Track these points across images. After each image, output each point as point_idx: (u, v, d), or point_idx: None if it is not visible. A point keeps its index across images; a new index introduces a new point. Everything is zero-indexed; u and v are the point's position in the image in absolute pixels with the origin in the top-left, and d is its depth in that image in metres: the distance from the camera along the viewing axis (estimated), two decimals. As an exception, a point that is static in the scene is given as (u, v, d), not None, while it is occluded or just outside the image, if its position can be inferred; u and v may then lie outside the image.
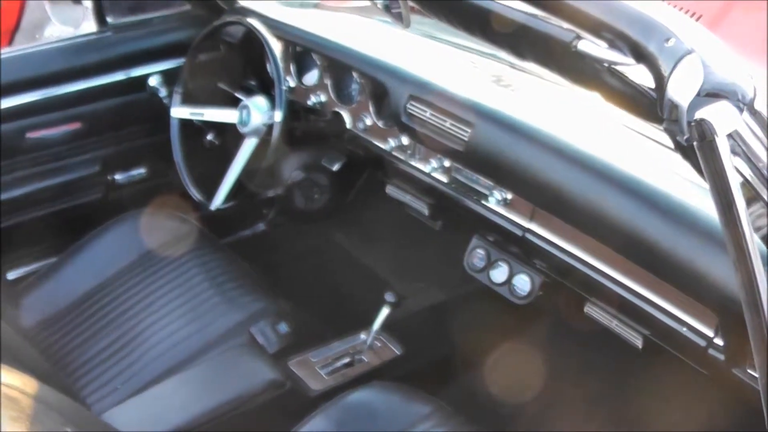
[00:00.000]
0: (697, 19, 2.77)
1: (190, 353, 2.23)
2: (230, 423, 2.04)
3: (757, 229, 1.27)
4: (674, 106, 1.01)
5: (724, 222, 1.06)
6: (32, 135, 2.69)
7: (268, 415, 2.10)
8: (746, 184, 1.15)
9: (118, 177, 2.98)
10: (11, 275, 2.74)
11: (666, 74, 1.01)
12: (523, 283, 2.38)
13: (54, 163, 2.80)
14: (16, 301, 2.40)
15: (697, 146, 1.03)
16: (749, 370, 1.71)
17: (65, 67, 2.75)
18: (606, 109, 2.05)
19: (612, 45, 1.07)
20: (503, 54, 2.34)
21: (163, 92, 2.90)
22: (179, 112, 2.78)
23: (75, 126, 2.80)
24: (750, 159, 1.12)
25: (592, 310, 2.19)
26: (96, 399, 2.15)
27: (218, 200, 2.65)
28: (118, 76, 2.86)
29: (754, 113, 1.09)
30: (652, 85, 1.05)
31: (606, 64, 1.11)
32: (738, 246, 1.05)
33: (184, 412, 2.03)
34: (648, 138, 2.04)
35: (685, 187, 1.80)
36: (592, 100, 2.04)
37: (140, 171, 3.03)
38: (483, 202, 2.27)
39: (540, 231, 2.17)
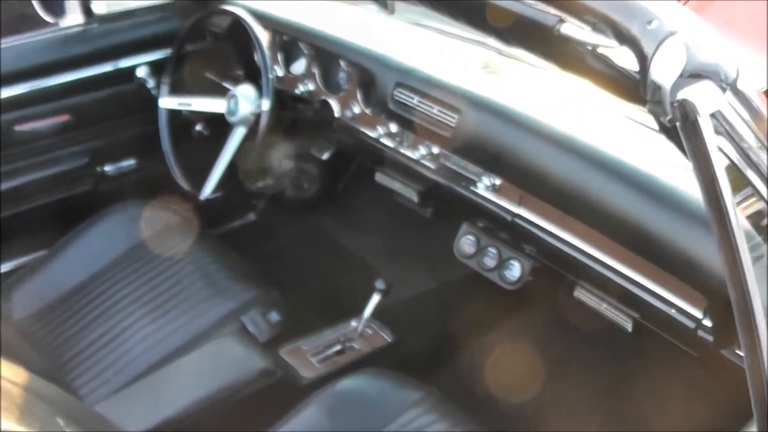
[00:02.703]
0: (684, 3, 2.78)
1: (181, 343, 2.23)
2: (222, 412, 2.05)
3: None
4: (657, 88, 1.02)
5: (708, 200, 1.07)
6: (20, 128, 2.68)
7: (260, 403, 2.11)
8: (732, 165, 1.16)
9: (107, 168, 2.97)
10: (1, 268, 2.74)
11: (649, 56, 1.01)
12: (513, 268, 2.40)
13: (43, 156, 2.79)
14: (6, 294, 2.39)
15: (680, 126, 1.04)
16: (737, 351, 1.72)
17: (52, 59, 2.74)
18: (593, 93, 2.06)
19: (595, 28, 1.07)
20: (491, 40, 2.34)
21: (150, 83, 2.89)
22: (167, 102, 2.78)
23: (63, 118, 2.79)
24: (734, 139, 1.13)
25: (582, 294, 2.21)
26: (88, 390, 2.15)
27: (207, 190, 2.65)
28: (106, 68, 2.85)
29: (738, 93, 1.10)
30: (636, 67, 1.06)
31: (590, 47, 1.11)
32: (721, 224, 1.06)
33: (176, 401, 2.04)
34: (635, 122, 2.04)
35: (673, 170, 1.81)
36: (579, 85, 2.05)
37: (130, 162, 3.02)
38: (472, 188, 2.28)
39: (529, 216, 2.17)
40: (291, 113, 2.71)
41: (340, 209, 3.38)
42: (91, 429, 1.36)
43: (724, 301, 1.14)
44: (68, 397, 1.49)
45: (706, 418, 2.11)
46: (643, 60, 1.02)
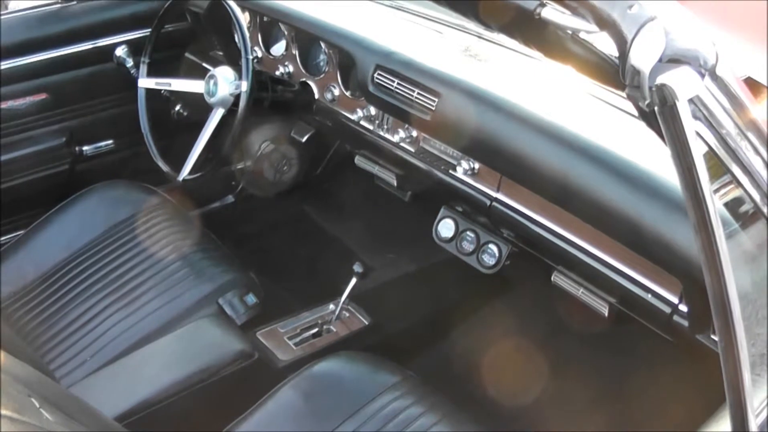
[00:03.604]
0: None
1: (159, 325, 2.23)
2: (199, 394, 2.04)
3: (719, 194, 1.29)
4: (636, 72, 1.02)
5: (685, 186, 1.07)
6: (-2, 106, 2.67)
7: (236, 385, 2.10)
8: (710, 151, 1.16)
9: (85, 148, 2.95)
10: (-23, 249, 2.72)
11: (628, 40, 1.01)
12: (490, 252, 2.41)
13: (20, 135, 2.77)
14: (-17, 275, 2.39)
15: (658, 111, 1.04)
16: (713, 336, 1.73)
17: (30, 38, 2.72)
18: (573, 79, 2.06)
19: (575, 12, 1.07)
20: (472, 25, 2.34)
21: (129, 62, 2.87)
22: (146, 82, 2.76)
23: (41, 97, 2.77)
24: (712, 125, 1.13)
25: (559, 279, 2.22)
26: (65, 372, 2.14)
27: (185, 171, 2.63)
28: (84, 47, 2.83)
29: (716, 79, 1.10)
30: (616, 52, 1.06)
31: (570, 32, 1.11)
32: (698, 210, 1.06)
33: (153, 383, 2.03)
34: (615, 107, 2.05)
35: (651, 156, 1.81)
36: (559, 70, 2.05)
37: (108, 142, 3.01)
38: (451, 171, 2.28)
39: (507, 200, 2.18)
40: (270, 95, 2.70)
41: (319, 192, 3.37)
42: (66, 410, 1.35)
43: (700, 287, 1.15)
44: (44, 378, 1.48)
45: (680, 403, 2.13)
46: (623, 44, 1.02)
